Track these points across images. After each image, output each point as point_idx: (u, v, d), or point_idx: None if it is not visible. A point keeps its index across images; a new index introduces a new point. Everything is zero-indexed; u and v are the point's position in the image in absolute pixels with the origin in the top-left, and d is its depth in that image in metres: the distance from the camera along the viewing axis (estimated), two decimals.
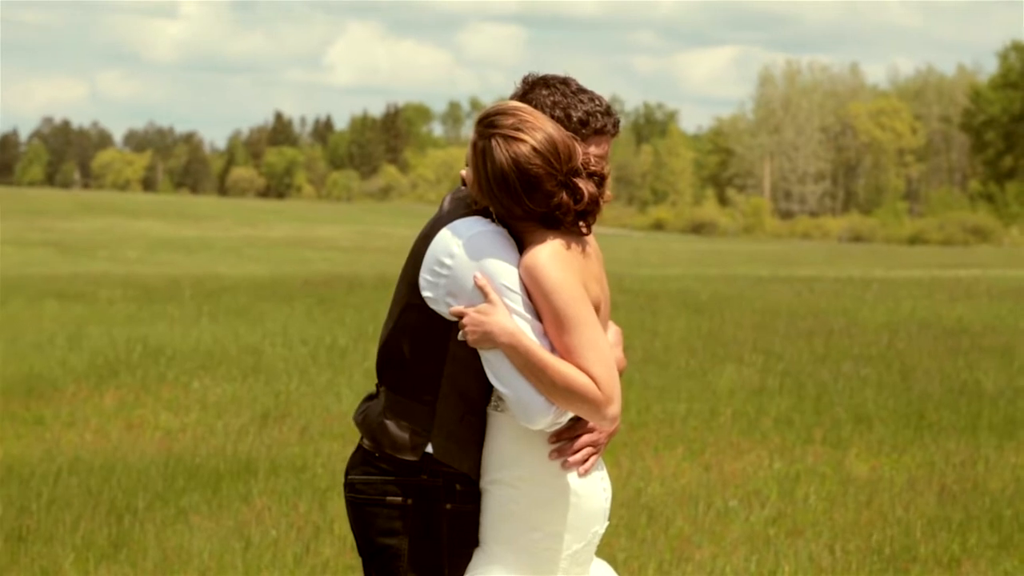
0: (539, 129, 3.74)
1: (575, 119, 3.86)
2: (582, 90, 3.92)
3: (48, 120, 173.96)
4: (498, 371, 3.76)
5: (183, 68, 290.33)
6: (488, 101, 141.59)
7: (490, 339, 3.73)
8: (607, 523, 3.99)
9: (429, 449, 3.83)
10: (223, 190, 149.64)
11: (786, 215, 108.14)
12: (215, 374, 14.60)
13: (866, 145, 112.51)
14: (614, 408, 3.73)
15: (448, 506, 3.85)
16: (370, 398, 4.00)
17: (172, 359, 15.64)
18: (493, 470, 3.84)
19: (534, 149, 3.71)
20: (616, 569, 7.65)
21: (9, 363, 15.21)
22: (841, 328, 19.13)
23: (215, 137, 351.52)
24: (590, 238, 3.88)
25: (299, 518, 8.65)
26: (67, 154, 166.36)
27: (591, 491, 3.89)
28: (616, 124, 3.94)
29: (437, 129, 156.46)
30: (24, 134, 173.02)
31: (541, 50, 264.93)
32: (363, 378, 14.32)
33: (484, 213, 3.86)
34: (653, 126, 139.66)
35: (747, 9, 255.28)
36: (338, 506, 8.95)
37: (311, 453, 10.66)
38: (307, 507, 8.93)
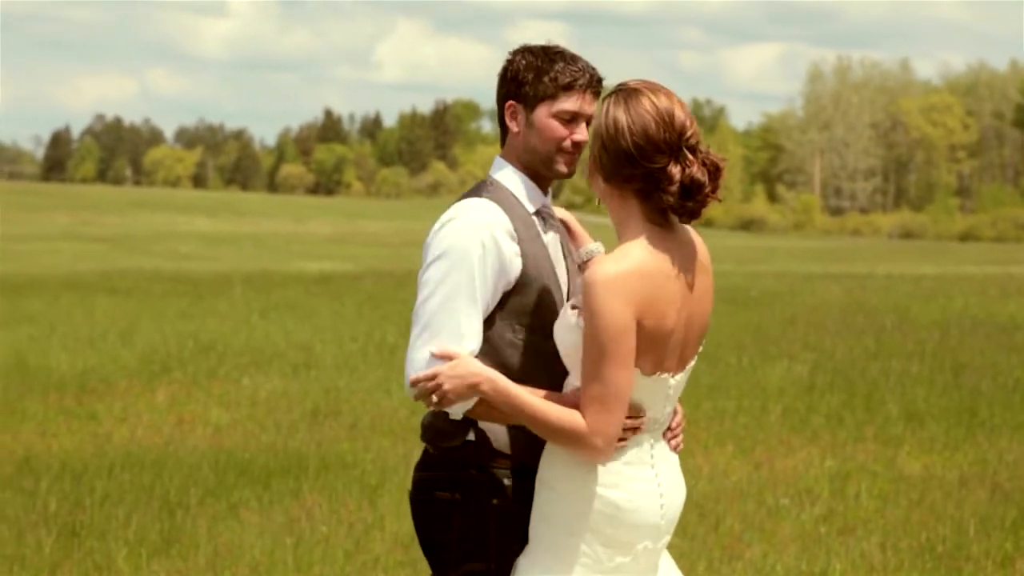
0: (663, 94, 3.72)
1: (545, 78, 3.90)
2: (558, 51, 3.95)
3: (100, 117, 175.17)
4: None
5: (232, 65, 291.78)
6: None
7: (471, 389, 3.73)
8: (667, 537, 3.88)
9: (471, 436, 3.85)
10: (273, 187, 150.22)
11: (836, 212, 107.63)
12: (266, 370, 14.67)
13: (917, 141, 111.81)
14: (602, 442, 3.66)
15: (495, 501, 3.86)
16: None
17: (223, 355, 15.71)
18: (541, 468, 3.84)
19: (652, 103, 3.68)
20: None
21: (62, 359, 15.32)
22: (892, 325, 19.02)
23: (265, 134, 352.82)
24: (690, 249, 3.78)
25: (349, 514, 8.68)
26: (119, 151, 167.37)
27: (639, 506, 3.80)
28: (592, 79, 3.93)
29: (486, 125, 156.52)
30: (76, 131, 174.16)
31: (587, 47, 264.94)
32: None
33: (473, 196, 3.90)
34: (701, 123, 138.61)
35: (792, 5, 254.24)
36: (388, 502, 8.97)
37: (361, 449, 10.69)
38: (357, 503, 8.95)
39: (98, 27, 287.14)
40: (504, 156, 4.01)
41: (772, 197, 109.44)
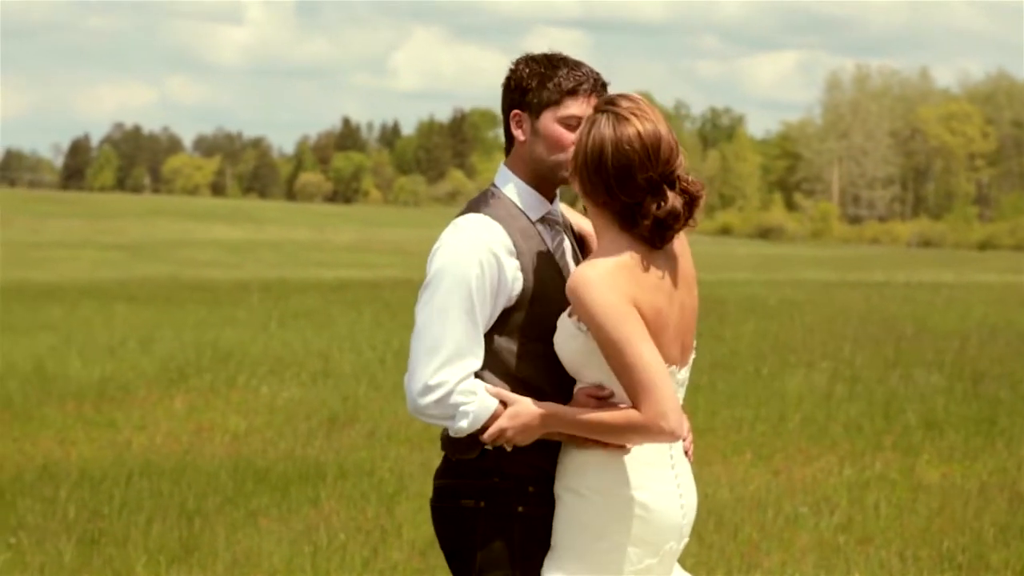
0: (651, 121, 3.72)
1: (547, 83, 3.90)
2: (562, 58, 3.95)
3: (119, 126, 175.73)
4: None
5: (249, 73, 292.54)
6: None
7: (531, 431, 3.77)
8: (686, 539, 3.92)
9: (490, 446, 3.86)
10: (291, 195, 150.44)
11: (854, 220, 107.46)
12: (283, 378, 14.69)
13: (936, 149, 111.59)
14: (667, 422, 3.67)
15: (520, 509, 3.86)
16: None
17: (241, 363, 15.74)
18: (566, 477, 3.84)
19: (638, 134, 3.69)
20: None
21: (81, 366, 15.36)
22: (911, 334, 18.99)
23: (283, 142, 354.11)
24: (673, 245, 3.82)
25: (367, 522, 8.68)
26: (138, 159, 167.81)
27: (665, 506, 3.83)
28: (596, 84, 3.92)
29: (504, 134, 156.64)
30: (95, 139, 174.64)
31: (605, 54, 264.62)
32: None
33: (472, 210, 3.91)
34: (719, 131, 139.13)
35: (811, 14, 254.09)
36: (406, 510, 8.98)
37: (379, 457, 10.70)
38: (375, 511, 8.95)
39: (117, 36, 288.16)
40: (509, 165, 4.01)
41: (790, 205, 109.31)
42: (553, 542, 3.86)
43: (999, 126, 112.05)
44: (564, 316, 3.80)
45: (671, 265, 3.82)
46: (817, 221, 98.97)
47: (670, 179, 3.73)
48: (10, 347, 17.18)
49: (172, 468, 10.15)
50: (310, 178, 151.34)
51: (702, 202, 3.77)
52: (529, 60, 3.96)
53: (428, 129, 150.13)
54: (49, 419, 12.32)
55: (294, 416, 12.55)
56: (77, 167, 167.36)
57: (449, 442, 3.91)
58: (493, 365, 3.84)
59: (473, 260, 3.79)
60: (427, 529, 8.50)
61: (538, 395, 3.83)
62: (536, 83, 3.90)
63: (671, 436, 3.70)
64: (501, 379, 3.83)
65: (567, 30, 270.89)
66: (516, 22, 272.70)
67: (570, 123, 3.89)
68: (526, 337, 3.87)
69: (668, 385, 3.68)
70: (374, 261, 46.40)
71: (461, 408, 3.76)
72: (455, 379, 3.76)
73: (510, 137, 4.00)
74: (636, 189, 3.70)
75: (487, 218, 3.87)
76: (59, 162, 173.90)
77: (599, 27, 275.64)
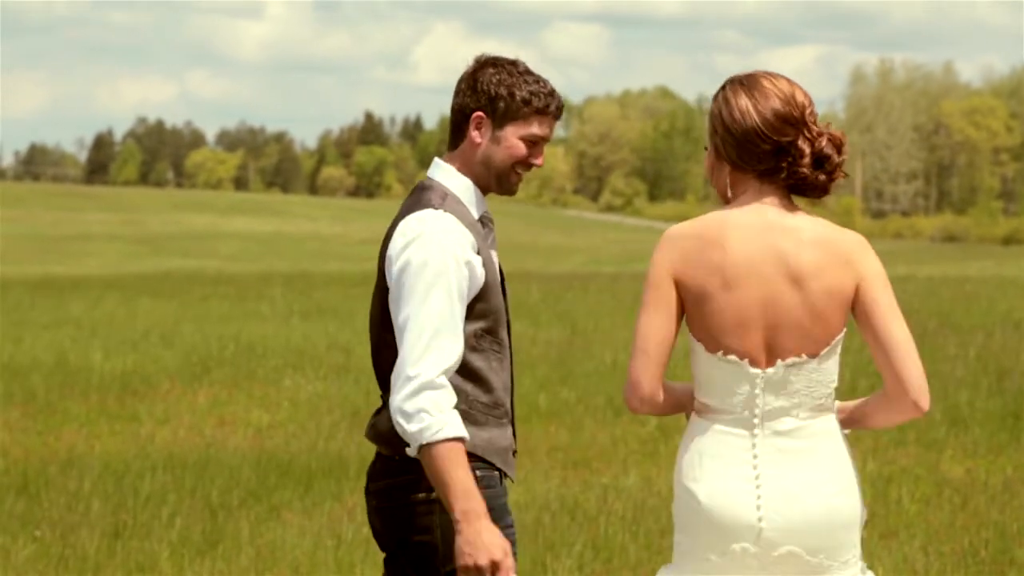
0: (782, 79, 3.84)
1: (519, 98, 3.94)
2: (528, 72, 3.99)
3: (142, 120, 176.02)
4: None
5: (270, 68, 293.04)
6: (575, 100, 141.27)
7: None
8: (782, 548, 3.75)
9: None
10: (314, 189, 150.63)
11: (878, 215, 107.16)
12: (306, 372, 14.70)
13: (960, 144, 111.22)
14: (633, 394, 3.78)
15: None
16: (378, 412, 4.08)
17: (264, 356, 15.77)
18: None
19: (774, 86, 3.80)
20: None
21: (104, 360, 15.40)
22: (935, 328, 18.91)
23: (305, 136, 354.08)
24: (792, 234, 3.77)
25: None
26: (161, 153, 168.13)
27: (724, 502, 3.74)
28: (560, 107, 4.01)
29: None
30: (119, 134, 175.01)
31: (624, 49, 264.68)
32: None
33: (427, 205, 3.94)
34: None
35: (832, 7, 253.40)
36: None
37: None
38: None
39: (138, 30, 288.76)
40: (450, 160, 4.05)
41: (813, 200, 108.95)
42: None
43: (1023, 120, 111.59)
44: None
45: (772, 252, 3.75)
46: (840, 215, 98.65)
47: (813, 122, 3.85)
48: (34, 340, 17.23)
49: (195, 461, 10.17)
50: (333, 172, 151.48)
51: (847, 149, 3.90)
52: (495, 65, 3.99)
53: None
54: (72, 412, 12.36)
55: (317, 410, 12.57)
56: (100, 161, 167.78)
57: (392, 439, 3.91)
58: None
59: (449, 255, 3.83)
60: None
61: (485, 387, 3.91)
62: (506, 92, 3.94)
63: (632, 408, 3.81)
64: (455, 372, 3.85)
65: (586, 24, 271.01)
66: (535, 17, 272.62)
67: (533, 141, 3.98)
68: (481, 329, 3.92)
69: (647, 360, 3.75)
70: None
71: (430, 418, 3.74)
72: (440, 373, 3.77)
73: (461, 134, 4.02)
74: (787, 125, 3.80)
75: (450, 215, 3.90)
76: (83, 156, 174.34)
77: (618, 22, 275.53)
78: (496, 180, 4.02)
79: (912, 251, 62.21)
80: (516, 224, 73.64)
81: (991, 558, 7.85)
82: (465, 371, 3.88)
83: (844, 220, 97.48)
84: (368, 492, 4.08)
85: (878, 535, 8.34)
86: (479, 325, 3.91)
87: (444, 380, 3.75)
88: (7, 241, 49.42)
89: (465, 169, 4.02)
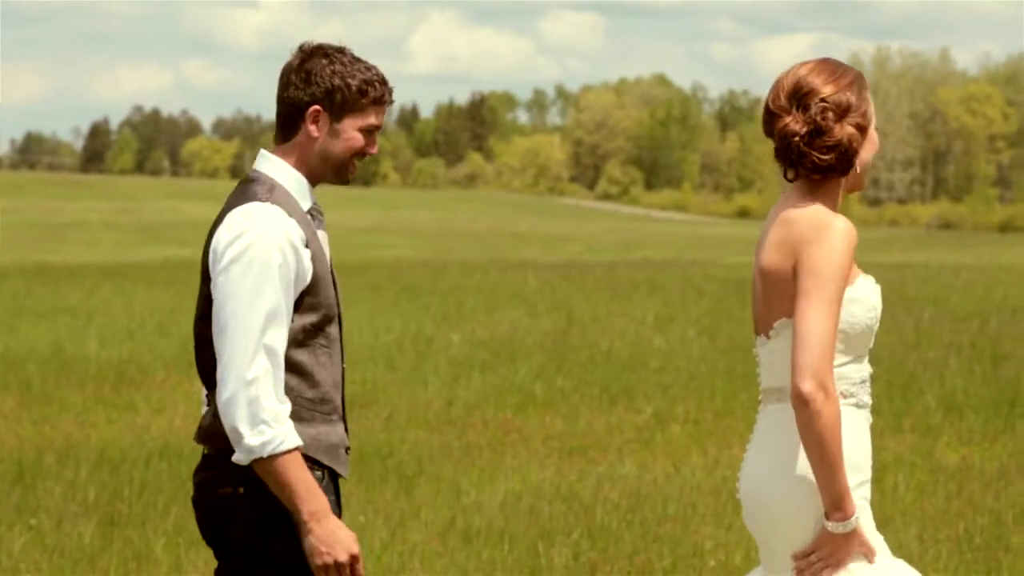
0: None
1: (354, 88, 3.88)
2: (358, 60, 3.93)
3: (138, 109, 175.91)
4: None
5: (266, 57, 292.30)
6: (572, 89, 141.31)
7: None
8: (748, 516, 3.97)
9: None
10: None
11: (874, 202, 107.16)
12: None
13: (956, 131, 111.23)
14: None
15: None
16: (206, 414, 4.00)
17: None
18: None
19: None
20: (703, 557, 7.65)
21: (100, 349, 15.40)
22: (931, 316, 18.92)
23: None
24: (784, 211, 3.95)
25: (386, 504, 8.69)
26: (157, 142, 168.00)
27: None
28: (391, 93, 3.97)
29: (522, 116, 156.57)
30: (115, 123, 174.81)
31: (620, 37, 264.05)
32: (448, 365, 14.36)
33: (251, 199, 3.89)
34: (738, 113, 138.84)
35: None
36: (424, 492, 8.99)
37: (397, 440, 10.71)
38: (393, 494, 8.97)
39: (135, 19, 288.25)
40: (282, 153, 3.98)
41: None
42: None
43: (1020, 108, 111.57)
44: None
45: (772, 227, 3.91)
46: None
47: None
48: (29, 329, 17.23)
49: (191, 451, 10.16)
50: None
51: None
52: (323, 55, 3.91)
53: (447, 112, 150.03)
54: (68, 402, 12.36)
55: None
56: (96, 150, 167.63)
57: (211, 435, 3.88)
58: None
59: (276, 250, 3.77)
60: (446, 512, 8.51)
61: (310, 382, 3.86)
62: (342, 84, 3.88)
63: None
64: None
65: (582, 13, 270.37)
66: (531, 4, 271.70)
67: (369, 131, 3.94)
68: (311, 324, 3.87)
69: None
70: (392, 243, 46.43)
71: (270, 431, 3.72)
72: (271, 375, 3.74)
73: (294, 127, 3.94)
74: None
75: (279, 208, 3.85)
76: (79, 145, 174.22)
77: (614, 10, 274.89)
78: (333, 172, 3.96)
79: (908, 239, 62.22)
80: (512, 213, 73.59)
81: (986, 544, 7.86)
82: (289, 366, 3.82)
83: (841, 208, 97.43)
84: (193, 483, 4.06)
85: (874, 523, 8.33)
86: (308, 320, 3.85)
87: (257, 370, 3.72)
88: (3, 230, 49.37)
89: (300, 163, 3.94)
